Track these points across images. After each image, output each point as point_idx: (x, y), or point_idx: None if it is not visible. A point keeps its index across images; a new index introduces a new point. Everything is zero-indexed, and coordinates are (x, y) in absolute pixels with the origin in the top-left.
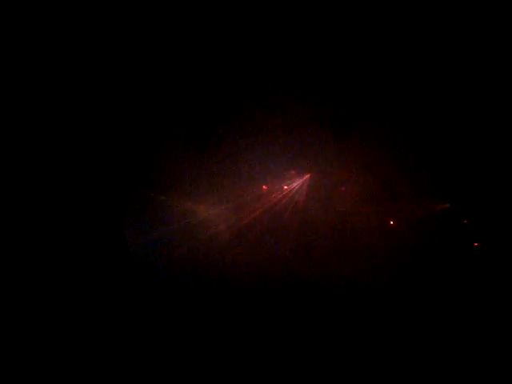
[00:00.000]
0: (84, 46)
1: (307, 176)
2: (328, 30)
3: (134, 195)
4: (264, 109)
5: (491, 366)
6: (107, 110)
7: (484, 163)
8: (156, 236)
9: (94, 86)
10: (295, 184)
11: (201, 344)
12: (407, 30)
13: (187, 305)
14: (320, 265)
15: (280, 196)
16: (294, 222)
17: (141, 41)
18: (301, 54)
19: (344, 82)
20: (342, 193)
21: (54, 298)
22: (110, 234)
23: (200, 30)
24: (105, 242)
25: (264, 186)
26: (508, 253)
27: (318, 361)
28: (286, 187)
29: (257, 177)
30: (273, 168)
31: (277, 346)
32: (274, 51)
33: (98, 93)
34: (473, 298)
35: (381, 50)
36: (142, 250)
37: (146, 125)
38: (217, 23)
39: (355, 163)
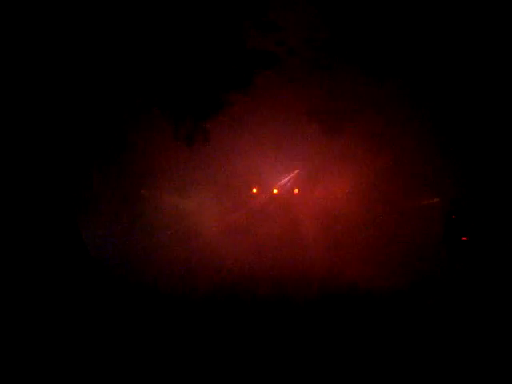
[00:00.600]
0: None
1: (296, 171)
2: (314, 20)
3: (123, 192)
4: (252, 103)
5: (479, 356)
6: (95, 105)
7: (474, 160)
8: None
9: (85, 84)
10: (285, 179)
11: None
12: (400, 26)
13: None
14: (309, 260)
15: (269, 192)
16: (282, 217)
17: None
18: (288, 46)
19: (334, 77)
20: (331, 188)
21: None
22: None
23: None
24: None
25: (253, 185)
26: (496, 247)
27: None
28: (275, 183)
29: (246, 172)
30: (262, 164)
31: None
32: (262, 43)
33: (85, 91)
34: (462, 292)
35: (369, 41)
36: (129, 248)
37: (133, 118)
38: (202, 20)
39: (345, 158)
